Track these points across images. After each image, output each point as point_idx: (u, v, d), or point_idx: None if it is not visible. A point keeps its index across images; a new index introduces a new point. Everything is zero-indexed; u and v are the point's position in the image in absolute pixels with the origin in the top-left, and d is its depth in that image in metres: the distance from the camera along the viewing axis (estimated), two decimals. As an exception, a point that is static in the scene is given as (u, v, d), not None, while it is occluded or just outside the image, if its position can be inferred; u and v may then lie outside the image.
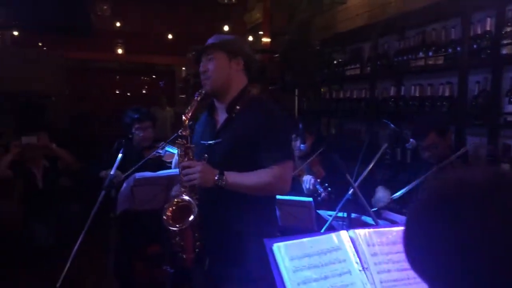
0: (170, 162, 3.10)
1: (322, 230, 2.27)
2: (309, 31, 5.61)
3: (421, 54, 3.66)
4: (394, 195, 2.64)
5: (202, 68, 2.02)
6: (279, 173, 1.93)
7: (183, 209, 1.92)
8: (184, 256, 1.96)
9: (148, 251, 3.36)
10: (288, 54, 5.99)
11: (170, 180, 2.76)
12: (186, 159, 1.96)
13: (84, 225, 2.47)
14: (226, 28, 9.14)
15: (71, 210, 4.23)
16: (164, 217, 1.92)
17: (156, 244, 3.27)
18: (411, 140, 2.67)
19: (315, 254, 1.27)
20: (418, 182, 2.64)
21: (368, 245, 1.33)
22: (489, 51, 3.05)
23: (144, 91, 11.98)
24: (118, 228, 3.34)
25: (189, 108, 2.00)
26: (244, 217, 1.98)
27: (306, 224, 2.74)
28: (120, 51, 10.29)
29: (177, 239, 1.94)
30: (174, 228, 1.88)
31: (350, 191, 2.18)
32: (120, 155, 2.61)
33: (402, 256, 1.40)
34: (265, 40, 7.86)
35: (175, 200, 1.95)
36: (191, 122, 2.01)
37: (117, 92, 11.81)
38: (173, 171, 2.82)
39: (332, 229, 2.29)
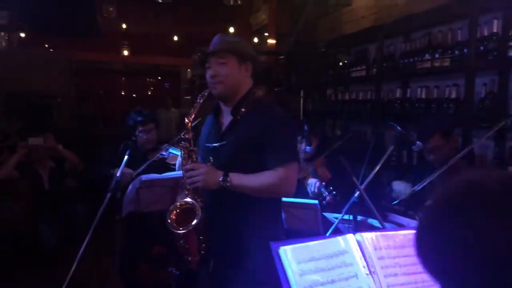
0: (174, 164, 3.10)
1: (328, 233, 2.26)
2: (314, 32, 5.61)
3: (427, 56, 3.64)
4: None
5: (212, 71, 2.00)
6: (284, 175, 1.92)
7: (188, 212, 1.91)
8: (189, 259, 1.96)
9: (154, 253, 3.36)
10: (294, 55, 6.00)
11: (176, 182, 2.76)
12: (189, 162, 1.96)
13: (89, 226, 2.47)
14: (231, 29, 9.15)
15: (77, 211, 4.25)
16: (169, 220, 1.91)
17: (162, 246, 3.27)
18: (417, 142, 2.66)
19: (321, 258, 1.26)
20: (425, 183, 2.63)
21: (375, 249, 1.33)
22: (496, 53, 3.03)
23: (149, 92, 12.01)
24: (124, 230, 3.35)
25: (191, 110, 2.00)
26: (250, 220, 1.97)
27: (312, 227, 2.73)
28: (125, 52, 10.33)
29: (181, 241, 1.94)
30: (178, 232, 1.87)
31: (356, 194, 2.17)
32: (126, 157, 2.61)
33: (409, 259, 1.40)
34: (271, 41, 7.86)
35: (179, 203, 1.94)
36: (196, 122, 2.01)
37: (123, 93, 11.85)
38: (179, 173, 2.82)
39: (338, 231, 2.28)
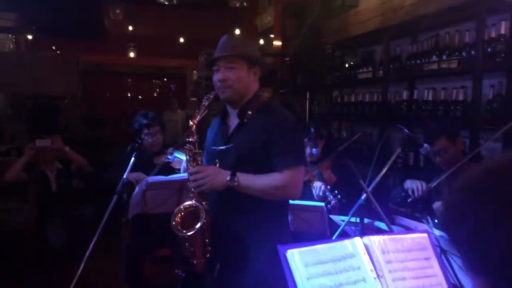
0: (179, 169, 3.09)
1: (335, 236, 2.25)
2: (320, 34, 5.60)
3: (434, 58, 3.63)
4: (431, 183, 2.60)
5: (221, 75, 1.99)
6: (291, 178, 1.92)
7: (192, 215, 1.91)
8: (194, 262, 1.95)
9: (160, 255, 3.36)
10: (300, 57, 5.99)
11: (182, 184, 2.76)
12: (194, 165, 1.95)
13: (96, 227, 2.48)
14: (237, 31, 9.17)
15: (83, 212, 4.27)
16: (173, 223, 1.91)
17: (167, 248, 3.27)
18: (425, 145, 2.64)
19: (329, 261, 1.26)
20: (439, 180, 2.61)
21: (383, 252, 1.32)
22: (503, 55, 3.01)
23: (155, 94, 12.04)
24: (130, 232, 3.36)
25: (196, 113, 1.99)
26: (256, 223, 1.97)
27: (319, 229, 2.72)
28: (132, 54, 10.37)
29: (186, 244, 1.93)
30: (182, 234, 1.87)
31: (363, 196, 2.16)
32: (132, 159, 2.62)
33: (417, 263, 1.39)
34: (276, 43, 7.86)
35: (183, 206, 1.94)
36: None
37: (129, 95, 11.89)
38: (185, 175, 2.82)
39: (344, 234, 2.27)
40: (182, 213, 1.93)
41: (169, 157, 3.12)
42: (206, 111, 2.04)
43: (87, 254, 2.43)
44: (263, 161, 1.94)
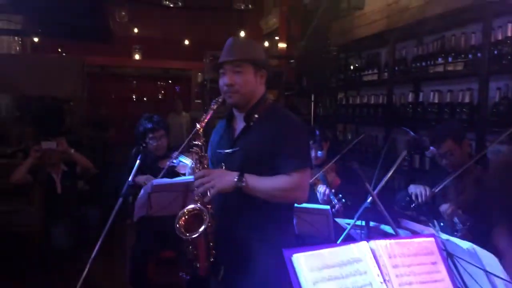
0: (184, 174, 3.08)
1: (340, 239, 2.24)
2: (325, 36, 5.59)
3: (440, 60, 3.61)
4: (434, 188, 2.60)
5: (228, 80, 1.97)
6: (298, 180, 1.90)
7: (196, 218, 1.89)
8: (198, 265, 1.93)
9: (164, 257, 3.36)
10: (304, 59, 5.99)
11: (188, 186, 2.76)
12: (200, 168, 1.94)
13: (101, 229, 2.48)
14: (242, 33, 9.18)
15: (88, 215, 4.28)
16: (177, 226, 1.89)
17: (172, 251, 3.27)
18: (431, 148, 2.63)
19: (335, 266, 1.25)
20: (442, 185, 2.61)
21: (390, 257, 1.30)
22: (510, 57, 2.99)
23: (160, 96, 12.07)
24: (135, 234, 3.36)
25: (204, 116, 1.98)
26: (261, 226, 1.95)
27: (323, 233, 2.71)
28: (137, 56, 10.41)
29: (190, 247, 1.92)
30: (186, 237, 1.86)
31: (369, 199, 2.14)
32: (137, 161, 2.62)
33: (424, 268, 1.38)
34: (281, 45, 7.87)
35: (187, 209, 1.92)
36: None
37: (134, 97, 11.92)
38: (190, 177, 2.82)
39: (350, 237, 2.26)
40: (186, 216, 1.92)
41: (174, 161, 3.11)
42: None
43: (92, 256, 2.43)
44: (269, 165, 1.93)
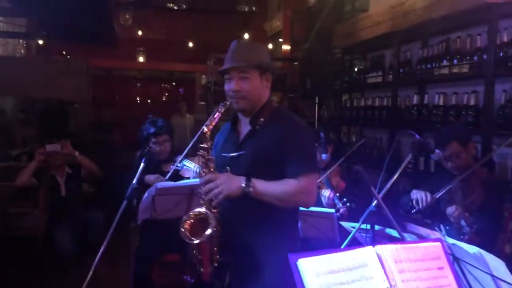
0: (188, 178, 3.07)
1: (345, 242, 2.22)
2: (329, 39, 5.59)
3: (445, 62, 3.60)
4: (435, 194, 2.59)
5: (235, 86, 1.95)
6: (306, 185, 1.89)
7: (201, 222, 1.88)
8: (202, 270, 1.92)
9: (168, 260, 3.36)
10: (309, 61, 5.98)
11: (192, 189, 2.76)
12: (206, 171, 1.92)
13: (105, 232, 2.48)
14: (246, 36, 9.19)
15: (93, 217, 4.28)
16: (182, 230, 1.88)
17: (176, 254, 3.26)
18: (436, 151, 2.61)
19: (341, 271, 1.24)
20: (447, 189, 2.59)
21: (396, 262, 1.30)
22: (516, 59, 2.97)
23: (164, 98, 12.09)
24: (139, 237, 3.35)
25: (211, 119, 1.96)
26: (267, 231, 1.94)
27: (328, 236, 2.70)
28: (141, 59, 10.43)
29: (194, 252, 1.90)
30: (191, 242, 1.85)
31: (374, 203, 2.13)
32: (142, 164, 2.62)
33: (431, 273, 1.37)
34: (285, 47, 7.87)
35: (192, 213, 1.91)
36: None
37: (138, 99, 11.95)
38: (195, 180, 2.82)
39: (355, 241, 2.24)
40: (192, 220, 1.90)
41: (178, 165, 3.10)
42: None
43: (97, 259, 2.43)
44: (275, 168, 1.91)
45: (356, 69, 5.29)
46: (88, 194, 4.92)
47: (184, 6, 8.47)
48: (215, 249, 1.91)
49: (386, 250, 1.31)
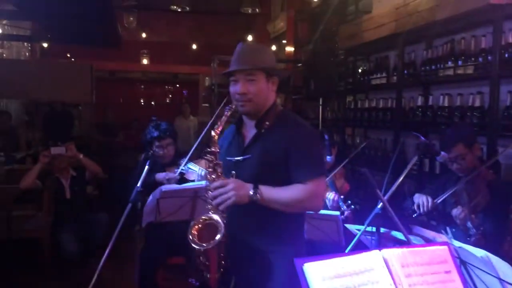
0: (193, 180, 3.07)
1: (351, 245, 2.22)
2: (333, 40, 5.58)
3: (450, 64, 3.58)
4: (436, 199, 2.59)
5: (241, 88, 1.93)
6: (314, 190, 1.87)
7: (210, 228, 1.86)
8: (208, 276, 1.89)
9: (173, 263, 3.36)
10: (312, 63, 5.98)
11: (196, 192, 2.76)
12: (214, 176, 1.89)
13: (109, 234, 2.48)
14: (249, 37, 9.19)
15: (97, 220, 4.28)
16: (190, 237, 1.85)
17: (181, 257, 3.26)
18: (442, 153, 2.60)
19: (347, 275, 1.23)
20: (452, 191, 2.58)
21: (402, 266, 1.29)
22: (521, 60, 2.96)
23: (168, 100, 12.11)
24: (144, 240, 3.35)
25: (218, 123, 1.94)
26: (273, 236, 1.92)
27: (333, 238, 2.69)
28: (145, 61, 10.46)
29: (201, 258, 1.88)
30: (201, 247, 1.82)
31: (379, 205, 2.12)
32: (146, 167, 2.61)
33: (438, 277, 1.35)
34: (289, 49, 7.86)
35: (202, 218, 1.88)
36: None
37: (142, 101, 11.97)
38: (199, 183, 2.82)
39: (360, 244, 2.23)
40: (200, 226, 1.88)
41: (183, 168, 3.10)
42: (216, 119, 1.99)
43: (102, 262, 2.43)
44: (282, 172, 1.89)
45: (360, 71, 5.28)
46: (92, 197, 4.93)
47: (187, 8, 8.47)
48: (221, 254, 1.89)
49: (393, 254, 1.30)
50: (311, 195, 1.87)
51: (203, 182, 2.71)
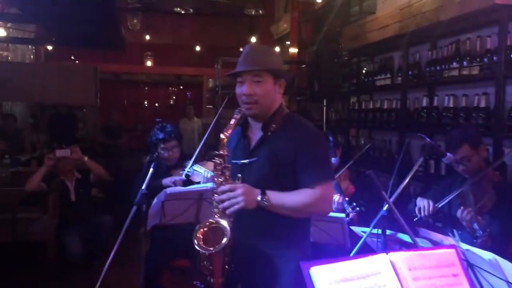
0: (198, 182, 3.06)
1: (356, 248, 2.20)
2: (337, 41, 5.57)
3: (455, 64, 3.57)
4: (437, 203, 2.57)
5: (248, 90, 1.91)
6: (322, 194, 1.84)
7: (215, 231, 1.84)
8: (212, 280, 1.87)
9: (178, 266, 3.35)
10: (316, 64, 5.96)
11: (201, 195, 2.75)
12: (222, 179, 1.87)
13: (114, 236, 2.48)
14: (253, 39, 9.19)
15: (102, 222, 4.29)
16: (195, 241, 1.83)
17: (186, 259, 3.26)
18: (448, 154, 2.58)
19: (354, 279, 1.22)
20: (454, 195, 2.57)
21: (410, 269, 1.28)
22: (527, 61, 2.94)
23: (172, 102, 12.13)
24: (149, 243, 3.35)
25: (227, 126, 1.91)
26: (279, 240, 1.91)
27: (339, 241, 2.68)
28: (149, 63, 10.48)
29: (205, 262, 1.86)
30: (207, 251, 1.81)
31: (385, 207, 2.11)
32: (151, 170, 2.61)
33: (446, 280, 1.34)
34: (292, 50, 7.85)
35: (208, 221, 1.86)
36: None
37: (146, 103, 11.99)
38: (205, 185, 2.81)
39: (366, 246, 2.22)
40: (205, 229, 1.86)
41: (189, 170, 3.10)
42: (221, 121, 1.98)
43: (107, 265, 2.43)
44: (289, 176, 1.88)
45: (364, 72, 5.27)
46: (97, 199, 4.94)
47: (191, 10, 8.50)
48: (226, 259, 1.87)
49: (400, 257, 1.29)
50: (320, 200, 1.84)
51: (208, 184, 2.72)
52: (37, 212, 4.78)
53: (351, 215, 2.83)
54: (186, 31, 10.34)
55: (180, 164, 3.28)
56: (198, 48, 10.53)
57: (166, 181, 3.15)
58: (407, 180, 2.24)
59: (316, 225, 2.62)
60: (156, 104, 12.00)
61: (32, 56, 8.77)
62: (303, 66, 7.16)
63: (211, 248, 1.81)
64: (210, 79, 10.08)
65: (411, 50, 4.30)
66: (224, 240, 1.79)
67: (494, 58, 3.21)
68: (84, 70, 7.33)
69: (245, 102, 1.93)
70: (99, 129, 8.40)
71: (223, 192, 1.81)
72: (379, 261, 1.28)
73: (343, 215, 2.67)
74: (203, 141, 3.33)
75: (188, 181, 3.10)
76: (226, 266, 1.87)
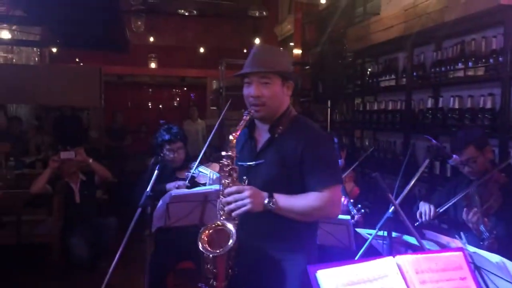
0: (204, 184, 3.05)
1: (362, 250, 2.19)
2: (341, 42, 5.55)
3: (460, 65, 3.55)
4: (439, 208, 2.56)
5: (255, 91, 1.88)
6: (330, 198, 1.81)
7: (220, 234, 1.82)
8: (215, 284, 1.84)
9: (183, 268, 3.35)
10: (320, 65, 5.95)
11: (206, 197, 2.75)
12: (229, 181, 1.83)
13: (119, 238, 2.48)
14: (257, 40, 9.19)
15: (107, 224, 4.30)
16: (200, 243, 1.80)
17: (191, 261, 3.25)
18: (454, 156, 2.57)
19: (361, 282, 1.22)
20: (459, 197, 2.55)
21: (417, 272, 1.27)
22: (533, 61, 2.93)
23: (176, 104, 12.14)
24: (154, 245, 3.35)
25: (237, 127, 1.88)
26: (285, 244, 1.88)
27: (344, 243, 2.67)
28: (153, 65, 10.49)
29: (209, 265, 1.83)
30: (212, 254, 1.78)
31: (391, 209, 2.10)
32: (156, 172, 2.61)
33: (454, 283, 1.33)
34: (296, 51, 7.84)
35: (214, 223, 1.84)
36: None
37: (150, 104, 12.01)
38: (209, 187, 2.81)
39: (372, 248, 2.21)
40: (210, 231, 1.83)
41: (194, 172, 3.09)
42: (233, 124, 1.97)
43: (112, 267, 2.43)
44: (295, 178, 1.85)
45: (368, 73, 5.26)
46: (102, 201, 4.95)
47: (194, 12, 8.50)
48: (230, 262, 1.84)
49: (407, 260, 1.28)
50: (328, 203, 1.81)
51: (213, 186, 2.72)
52: (42, 214, 4.79)
53: (356, 217, 2.82)
54: (190, 32, 10.35)
55: (185, 165, 3.28)
56: (202, 50, 10.53)
57: (170, 185, 3.15)
58: (413, 182, 2.23)
59: (321, 227, 2.61)
60: (160, 106, 12.02)
61: (36, 59, 8.80)
62: (307, 67, 7.15)
63: (218, 251, 1.78)
64: (214, 81, 10.08)
65: (416, 51, 4.29)
66: (230, 242, 1.77)
67: (500, 58, 3.20)
68: (88, 72, 7.34)
69: (252, 104, 1.90)
70: (103, 131, 8.42)
71: (230, 194, 1.78)
72: (386, 264, 1.27)
73: (348, 217, 2.66)
74: (207, 143, 3.32)
75: (193, 183, 3.10)
76: (230, 270, 1.84)
